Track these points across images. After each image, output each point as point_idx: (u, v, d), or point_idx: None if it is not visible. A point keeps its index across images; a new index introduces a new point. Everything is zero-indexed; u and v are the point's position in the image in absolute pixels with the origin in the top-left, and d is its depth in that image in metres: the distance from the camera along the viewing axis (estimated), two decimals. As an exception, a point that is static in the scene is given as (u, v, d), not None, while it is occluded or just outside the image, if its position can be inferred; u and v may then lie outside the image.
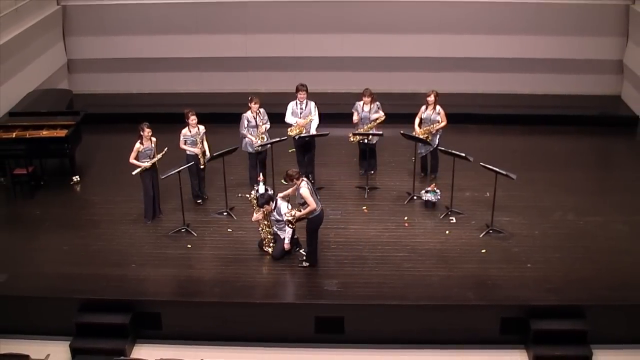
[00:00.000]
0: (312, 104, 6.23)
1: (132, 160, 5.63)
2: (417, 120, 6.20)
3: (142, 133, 5.58)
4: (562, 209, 6.02)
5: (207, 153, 5.92)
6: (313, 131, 6.20)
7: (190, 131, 5.85)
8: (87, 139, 6.95)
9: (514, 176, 5.48)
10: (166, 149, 5.70)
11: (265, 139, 6.14)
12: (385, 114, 6.27)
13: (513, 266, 5.24)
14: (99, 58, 8.46)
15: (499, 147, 7.17)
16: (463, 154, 5.68)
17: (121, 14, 8.23)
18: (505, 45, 8.15)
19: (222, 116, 7.36)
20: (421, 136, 6.11)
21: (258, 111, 6.08)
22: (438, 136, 6.16)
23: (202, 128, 5.90)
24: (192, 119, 5.82)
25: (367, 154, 6.40)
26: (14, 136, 6.42)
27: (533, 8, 7.98)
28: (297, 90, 6.17)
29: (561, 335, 4.77)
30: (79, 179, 6.66)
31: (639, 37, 7.78)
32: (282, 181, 6.57)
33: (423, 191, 6.13)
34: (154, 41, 8.31)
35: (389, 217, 5.93)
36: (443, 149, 5.96)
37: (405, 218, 5.89)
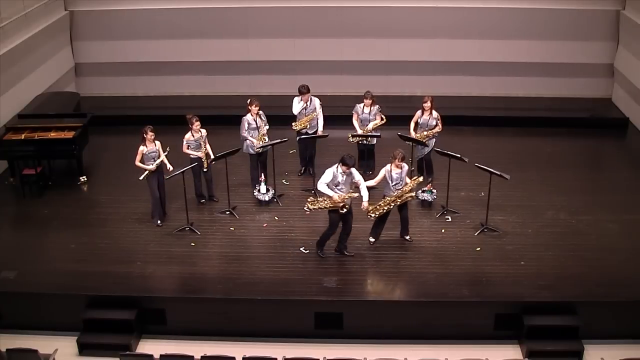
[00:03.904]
0: (316, 100, 6.39)
1: (137, 163, 5.68)
2: (412, 125, 6.26)
3: (145, 136, 5.63)
4: (555, 208, 6.12)
5: (211, 155, 6.00)
6: (320, 127, 6.38)
7: (193, 136, 5.93)
8: (94, 141, 7.04)
9: (507, 176, 5.58)
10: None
11: (266, 140, 6.26)
12: (386, 116, 6.36)
13: (507, 264, 5.34)
14: (105, 62, 8.54)
15: (494, 148, 7.25)
16: (458, 155, 5.78)
17: (127, 19, 8.32)
18: (499, 50, 8.25)
19: (224, 118, 7.49)
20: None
21: (258, 114, 6.23)
22: (434, 140, 6.26)
23: (203, 132, 5.97)
24: (197, 125, 5.88)
25: (365, 154, 6.53)
26: (23, 137, 6.52)
27: (526, 13, 8.09)
28: (301, 92, 6.32)
29: (553, 330, 4.86)
30: (86, 179, 6.76)
31: (629, 41, 7.89)
32: (284, 181, 6.75)
33: (420, 191, 6.23)
34: (159, 45, 8.41)
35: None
36: (439, 149, 6.05)
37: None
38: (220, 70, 8.57)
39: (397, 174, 5.30)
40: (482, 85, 8.50)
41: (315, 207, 5.25)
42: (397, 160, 5.24)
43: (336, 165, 5.16)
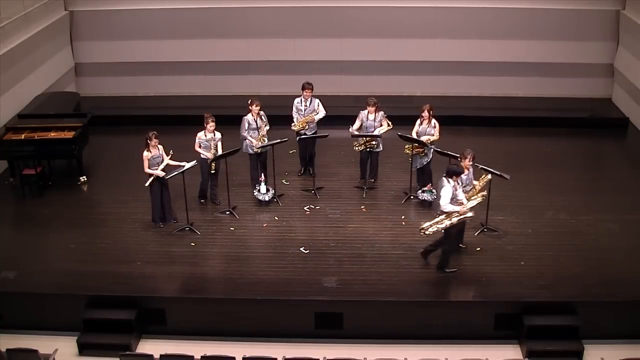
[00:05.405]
0: (316, 101, 6.40)
1: (147, 170, 5.63)
2: (413, 134, 6.15)
3: (149, 142, 5.58)
4: (554, 208, 6.13)
5: (219, 151, 5.90)
6: (319, 116, 6.34)
7: (205, 135, 5.92)
8: (93, 141, 7.05)
9: (507, 176, 5.58)
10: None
11: (266, 141, 6.27)
12: (385, 116, 6.31)
13: (507, 264, 5.35)
14: (105, 62, 8.56)
15: (493, 148, 7.24)
16: (458, 155, 5.73)
17: (127, 19, 8.33)
18: (499, 50, 8.27)
19: (225, 118, 7.51)
20: (415, 152, 6.14)
21: (259, 114, 6.23)
22: (432, 150, 6.15)
23: (218, 134, 5.95)
24: (211, 125, 5.86)
25: (370, 162, 6.39)
26: (23, 137, 6.53)
27: (526, 13, 8.10)
28: (303, 88, 6.34)
29: (553, 330, 4.87)
30: (86, 179, 6.77)
31: (629, 41, 7.90)
32: (284, 181, 6.76)
33: (419, 191, 6.26)
34: (159, 45, 8.42)
35: (387, 216, 6.05)
36: (439, 149, 6.05)
37: (403, 217, 6.01)
38: (220, 70, 8.58)
39: (465, 175, 5.23)
40: (481, 85, 8.50)
41: (431, 230, 5.01)
42: (467, 161, 5.16)
43: (445, 180, 4.97)
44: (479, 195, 5.26)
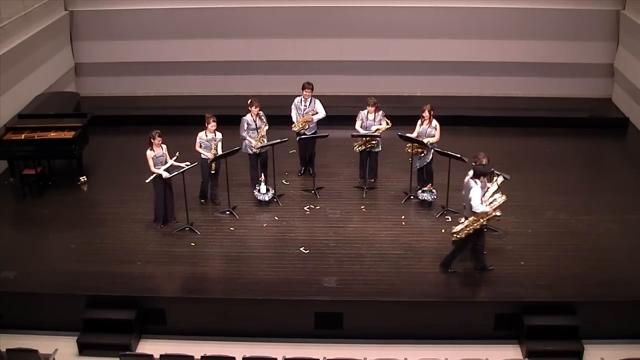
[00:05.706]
0: (316, 101, 6.41)
1: (153, 169, 5.62)
2: (415, 135, 6.14)
3: (152, 140, 5.57)
4: (554, 208, 6.13)
5: (219, 151, 5.90)
6: (318, 116, 6.35)
7: (206, 135, 5.92)
8: (93, 141, 7.05)
9: (508, 176, 5.57)
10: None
11: (265, 141, 6.27)
12: (385, 116, 6.32)
13: (507, 264, 5.35)
14: (105, 62, 8.57)
15: (493, 148, 7.12)
16: (458, 155, 5.78)
17: (127, 19, 8.34)
18: (499, 49, 8.27)
19: (225, 118, 7.51)
20: (414, 152, 6.12)
21: (258, 114, 6.23)
22: (432, 151, 6.14)
23: (218, 135, 5.95)
24: (212, 126, 5.86)
25: (368, 162, 6.39)
26: (23, 137, 6.54)
27: (526, 13, 8.11)
28: (304, 87, 6.35)
29: (553, 330, 4.87)
30: (86, 179, 6.77)
31: (629, 41, 7.91)
32: (284, 181, 6.77)
33: (419, 191, 6.26)
34: (159, 45, 8.43)
35: (387, 216, 6.05)
36: (439, 149, 6.05)
37: (403, 217, 6.02)
38: (220, 70, 8.58)
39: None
40: (481, 85, 8.51)
41: (463, 233, 4.96)
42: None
43: (472, 181, 4.94)
44: (501, 194, 5.16)
